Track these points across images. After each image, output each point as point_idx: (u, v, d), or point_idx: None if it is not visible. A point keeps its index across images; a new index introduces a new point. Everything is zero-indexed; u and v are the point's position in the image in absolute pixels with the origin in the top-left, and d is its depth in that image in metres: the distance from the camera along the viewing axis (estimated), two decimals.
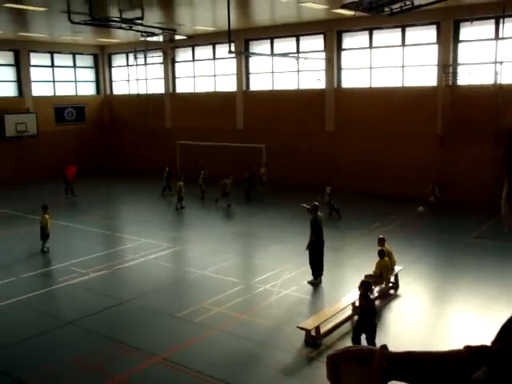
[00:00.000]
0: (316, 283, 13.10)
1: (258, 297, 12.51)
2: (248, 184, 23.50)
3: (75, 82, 34.05)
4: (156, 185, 25.91)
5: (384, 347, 1.50)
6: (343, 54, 25.59)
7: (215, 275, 13.96)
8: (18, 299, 12.42)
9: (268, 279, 13.55)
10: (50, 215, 16.20)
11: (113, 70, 35.47)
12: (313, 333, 9.97)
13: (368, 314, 9.39)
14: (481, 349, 1.51)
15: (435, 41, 22.77)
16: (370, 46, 24.56)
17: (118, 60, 34.93)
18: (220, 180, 21.86)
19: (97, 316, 11.48)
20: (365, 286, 9.45)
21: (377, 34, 24.32)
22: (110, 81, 35.59)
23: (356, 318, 10.20)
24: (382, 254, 12.34)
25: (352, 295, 11.39)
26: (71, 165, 25.40)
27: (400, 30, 23.45)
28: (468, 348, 1.53)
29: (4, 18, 21.93)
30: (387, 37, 24.06)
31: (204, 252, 16.18)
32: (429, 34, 22.96)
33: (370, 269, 12.61)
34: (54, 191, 25.36)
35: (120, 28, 18.23)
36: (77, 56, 33.87)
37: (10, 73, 30.92)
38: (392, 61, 24.12)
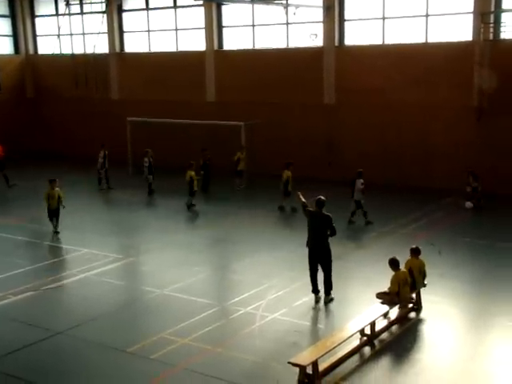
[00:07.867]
0: (317, 299, 13.32)
1: (236, 323, 12.50)
2: (205, 173, 24.40)
3: None
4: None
5: None
6: None
7: (179, 295, 13.92)
8: None
9: (249, 299, 13.54)
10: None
11: (37, 20, 35.10)
12: (309, 370, 10.00)
13: None
14: None
15: None
16: None
17: (44, 7, 34.57)
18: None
19: (18, 354, 11.31)
20: None
21: None
22: (34, 36, 35.24)
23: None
24: (395, 264, 12.40)
25: (361, 319, 11.46)
26: None
27: None
28: None
29: None
30: None
31: (165, 265, 16.11)
32: None
33: (383, 284, 12.70)
34: None
35: None
36: None
37: None
38: (412, 9, 24.25)
